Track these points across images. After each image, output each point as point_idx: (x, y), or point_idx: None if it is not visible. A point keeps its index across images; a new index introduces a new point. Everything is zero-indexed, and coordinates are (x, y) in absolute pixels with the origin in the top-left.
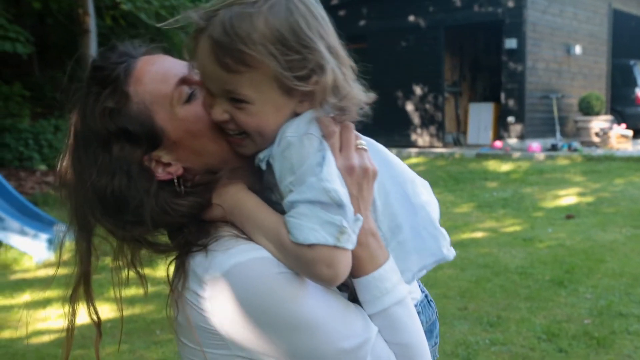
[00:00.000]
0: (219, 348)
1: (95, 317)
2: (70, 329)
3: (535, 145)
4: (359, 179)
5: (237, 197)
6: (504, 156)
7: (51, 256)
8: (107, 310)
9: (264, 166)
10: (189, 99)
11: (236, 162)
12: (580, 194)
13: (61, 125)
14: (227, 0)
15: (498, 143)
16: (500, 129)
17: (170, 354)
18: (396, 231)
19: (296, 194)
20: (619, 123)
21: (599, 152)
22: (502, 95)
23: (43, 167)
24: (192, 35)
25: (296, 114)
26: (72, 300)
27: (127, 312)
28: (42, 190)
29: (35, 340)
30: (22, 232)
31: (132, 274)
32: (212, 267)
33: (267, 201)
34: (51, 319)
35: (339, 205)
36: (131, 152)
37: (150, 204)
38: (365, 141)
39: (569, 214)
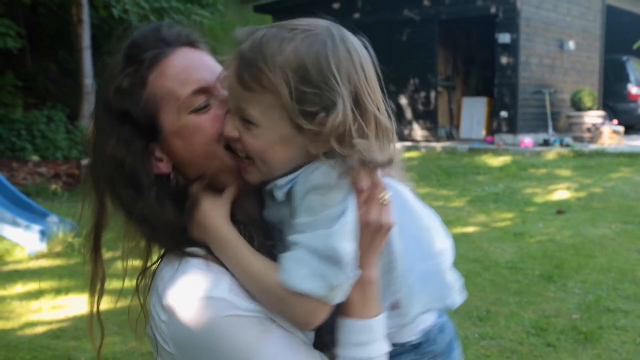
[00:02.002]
0: None
1: (100, 269)
2: (101, 276)
3: (527, 140)
4: (372, 233)
5: (219, 227)
6: (497, 151)
7: (44, 247)
8: (101, 302)
9: (280, 196)
10: (199, 109)
11: (219, 184)
12: (571, 190)
13: (54, 115)
14: (275, 24)
15: (490, 138)
16: (493, 123)
17: None
18: (406, 274)
19: (304, 238)
20: (611, 119)
21: (591, 147)
22: (495, 90)
23: (35, 158)
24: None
25: (310, 154)
26: (93, 248)
27: (119, 304)
28: (35, 181)
29: (28, 332)
30: (15, 223)
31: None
32: (171, 292)
33: (267, 229)
34: (44, 310)
35: (338, 265)
36: (136, 136)
37: (152, 193)
38: (391, 187)
39: (560, 209)
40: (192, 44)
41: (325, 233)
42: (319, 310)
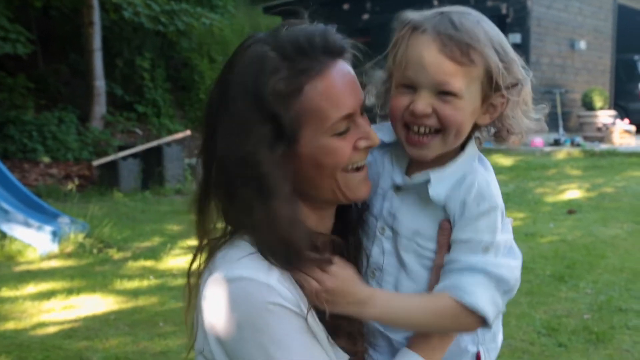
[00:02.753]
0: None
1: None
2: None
3: (538, 140)
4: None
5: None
6: (508, 150)
7: (55, 248)
8: (110, 302)
9: (438, 195)
10: (341, 132)
11: (327, 205)
12: (583, 189)
13: (65, 117)
14: (439, 11)
15: None
16: None
17: (174, 346)
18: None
19: (488, 261)
20: (622, 118)
21: (602, 147)
22: None
23: (47, 159)
24: (405, 32)
25: (476, 125)
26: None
27: (131, 304)
28: (46, 182)
29: (40, 332)
30: (26, 224)
31: (134, 264)
32: (219, 268)
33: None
34: (56, 311)
35: (507, 296)
36: (278, 141)
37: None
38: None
39: (571, 209)
40: (344, 54)
41: (508, 264)
42: (476, 327)
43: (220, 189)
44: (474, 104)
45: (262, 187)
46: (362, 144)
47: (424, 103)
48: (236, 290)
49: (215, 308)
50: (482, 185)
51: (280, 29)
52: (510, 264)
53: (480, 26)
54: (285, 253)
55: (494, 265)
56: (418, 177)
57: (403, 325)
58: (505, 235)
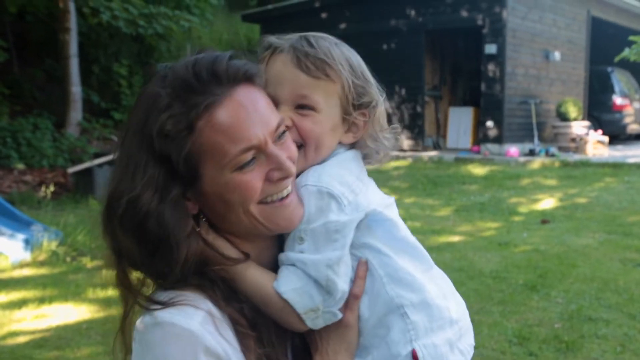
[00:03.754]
0: None
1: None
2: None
3: (513, 150)
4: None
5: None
6: (483, 160)
7: (27, 256)
8: (83, 311)
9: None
10: (244, 166)
11: (256, 237)
12: (556, 199)
13: (40, 123)
14: (298, 35)
15: (477, 147)
16: (479, 133)
17: None
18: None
19: (302, 259)
20: (595, 129)
21: (576, 157)
22: (482, 100)
23: (21, 166)
24: (266, 54)
25: (340, 143)
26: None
27: (103, 313)
28: (20, 189)
29: (10, 342)
30: None
31: (108, 272)
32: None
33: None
34: (27, 320)
35: (329, 293)
36: (172, 183)
37: (187, 243)
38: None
39: (545, 218)
40: (250, 79)
41: (316, 260)
42: (295, 323)
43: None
44: (334, 120)
45: (157, 230)
46: (276, 175)
47: (284, 116)
48: (154, 336)
49: (136, 353)
50: (309, 172)
51: (177, 62)
52: (316, 260)
53: (337, 47)
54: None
55: (301, 262)
56: None
57: (253, 299)
58: (324, 220)
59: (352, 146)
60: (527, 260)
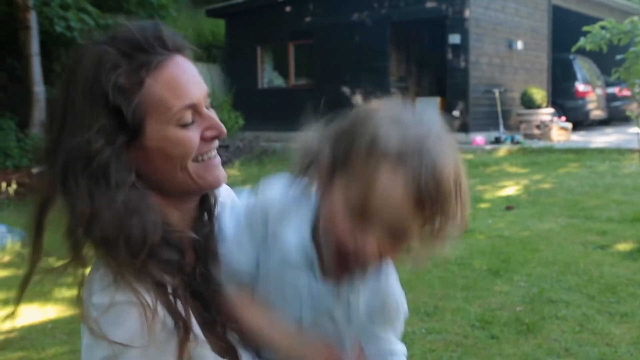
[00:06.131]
0: None
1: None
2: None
3: (479, 138)
4: None
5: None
6: None
7: None
8: (49, 311)
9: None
10: (185, 125)
11: (185, 196)
12: (521, 186)
13: (3, 123)
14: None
15: None
16: (445, 122)
17: None
18: None
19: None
20: (559, 116)
21: (540, 144)
22: (447, 90)
23: None
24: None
25: None
26: (35, 232)
27: (69, 312)
28: None
29: None
30: None
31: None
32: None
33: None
34: None
35: None
36: (120, 132)
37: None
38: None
39: (509, 205)
40: (183, 51)
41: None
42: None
43: (64, 187)
44: None
45: (102, 178)
46: (209, 133)
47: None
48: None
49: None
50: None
51: (115, 28)
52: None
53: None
54: (128, 247)
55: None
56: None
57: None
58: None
59: None
60: (491, 247)
